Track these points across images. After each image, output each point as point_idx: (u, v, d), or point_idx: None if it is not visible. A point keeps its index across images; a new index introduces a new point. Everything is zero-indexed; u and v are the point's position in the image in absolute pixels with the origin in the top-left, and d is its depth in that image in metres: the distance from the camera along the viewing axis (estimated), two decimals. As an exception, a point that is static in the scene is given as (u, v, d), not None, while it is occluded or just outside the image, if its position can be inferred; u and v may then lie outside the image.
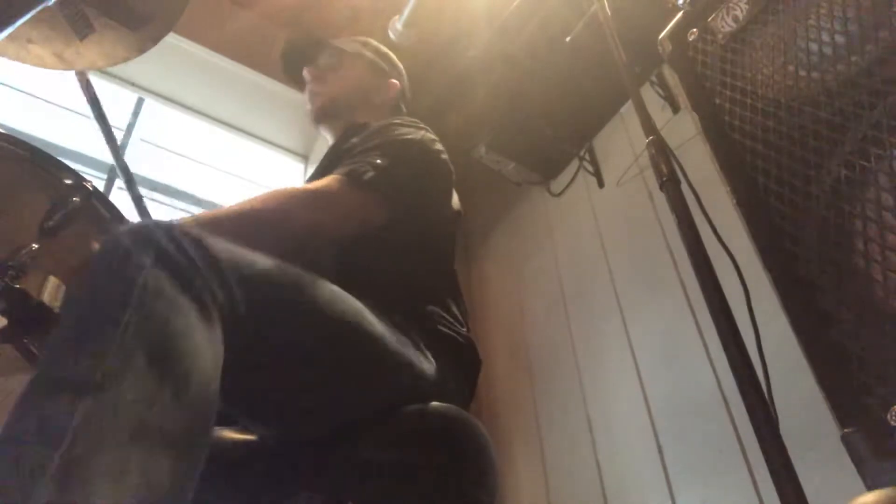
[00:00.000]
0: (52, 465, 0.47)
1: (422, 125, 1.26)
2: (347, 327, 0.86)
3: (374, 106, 1.42)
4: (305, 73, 1.44)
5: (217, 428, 0.94)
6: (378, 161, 1.08)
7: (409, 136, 1.19)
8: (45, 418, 0.50)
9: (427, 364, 0.95)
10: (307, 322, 0.82)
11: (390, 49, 1.54)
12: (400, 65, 1.53)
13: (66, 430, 0.49)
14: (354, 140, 1.23)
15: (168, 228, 0.68)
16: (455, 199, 1.29)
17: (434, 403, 0.92)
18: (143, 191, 2.71)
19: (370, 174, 1.06)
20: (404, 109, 1.49)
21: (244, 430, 0.96)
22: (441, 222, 1.24)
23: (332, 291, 0.87)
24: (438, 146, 1.24)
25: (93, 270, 0.65)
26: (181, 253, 0.66)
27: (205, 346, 0.62)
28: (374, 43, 1.52)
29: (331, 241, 1.01)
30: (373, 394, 0.90)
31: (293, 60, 1.50)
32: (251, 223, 0.89)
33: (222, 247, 0.72)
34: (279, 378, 0.81)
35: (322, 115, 1.40)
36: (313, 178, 1.27)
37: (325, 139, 1.45)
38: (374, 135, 1.21)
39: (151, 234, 0.66)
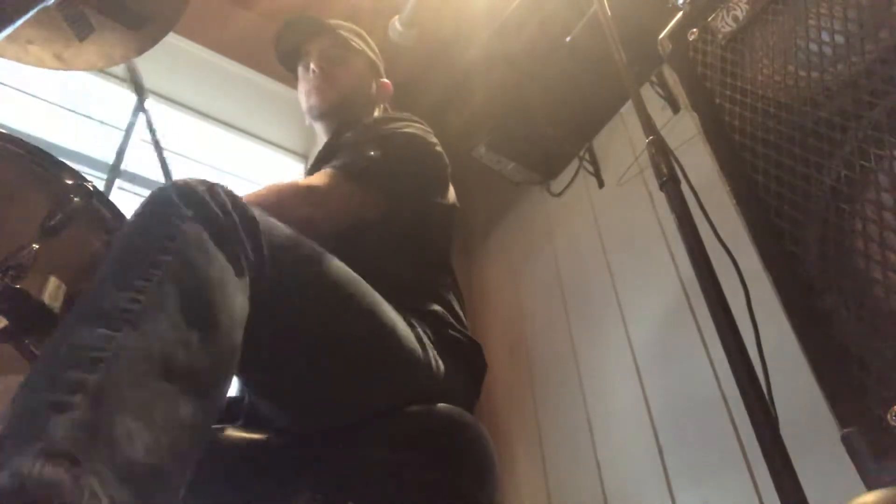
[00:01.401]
0: (86, 387, 0.49)
1: (415, 119, 1.26)
2: (366, 311, 0.87)
3: (370, 105, 1.42)
4: (314, 65, 1.36)
5: (219, 426, 0.94)
6: (371, 153, 1.08)
7: (404, 130, 1.19)
8: (83, 346, 0.53)
9: (436, 364, 0.95)
10: (327, 296, 0.84)
11: (391, 49, 1.54)
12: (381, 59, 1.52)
13: (100, 359, 0.52)
14: (349, 135, 1.23)
15: (211, 186, 0.72)
16: (452, 193, 1.29)
17: (440, 405, 0.92)
18: (142, 191, 2.72)
19: (363, 166, 1.06)
20: (389, 109, 1.49)
21: (247, 428, 0.96)
22: (437, 216, 1.23)
23: (351, 274, 0.89)
24: (432, 139, 1.23)
25: (139, 214, 0.68)
26: (221, 209, 0.70)
27: (234, 299, 0.66)
28: (366, 36, 1.52)
29: (327, 235, 1.02)
30: (382, 382, 0.90)
31: (291, 43, 1.45)
32: None
33: (258, 211, 0.76)
34: (294, 351, 0.82)
35: (329, 113, 1.35)
36: (308, 175, 1.27)
37: (321, 137, 1.43)
38: (367, 129, 1.21)
39: (195, 189, 0.70)
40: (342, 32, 1.42)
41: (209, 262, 0.65)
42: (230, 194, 0.73)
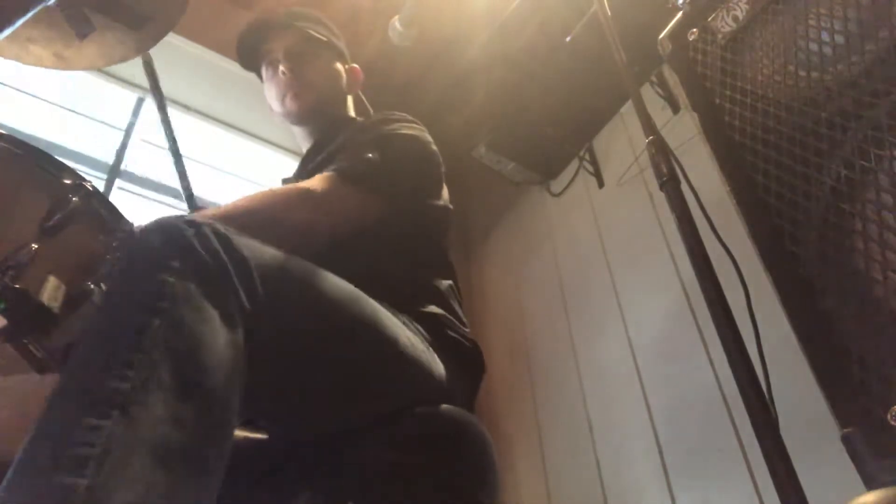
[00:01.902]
0: (77, 493, 0.47)
1: (410, 119, 1.25)
2: (364, 327, 0.86)
3: (345, 96, 1.38)
4: (282, 67, 1.29)
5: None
6: (370, 156, 1.07)
7: (401, 131, 1.18)
8: (70, 443, 0.49)
9: (437, 367, 0.94)
10: (325, 321, 0.82)
11: (391, 49, 1.53)
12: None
13: (90, 456, 0.48)
14: (342, 137, 1.22)
15: (198, 227, 0.67)
16: (445, 194, 1.28)
17: (444, 406, 0.92)
18: (142, 191, 2.72)
19: (363, 170, 1.05)
20: (363, 98, 1.45)
21: (246, 428, 0.96)
22: (435, 217, 1.23)
23: (349, 290, 0.87)
24: (428, 138, 1.22)
25: (123, 270, 0.65)
26: (211, 255, 0.65)
27: (228, 358, 0.62)
28: (325, 20, 1.42)
29: (327, 240, 1.01)
30: (385, 394, 0.90)
31: (251, 42, 1.39)
32: (244, 224, 0.88)
33: (248, 245, 0.72)
34: (294, 375, 0.80)
35: (309, 117, 1.30)
36: (299, 177, 1.26)
37: (300, 137, 1.37)
38: (364, 130, 1.20)
39: (181, 234, 0.65)
40: (302, 25, 1.33)
41: (201, 321, 0.61)
42: (219, 234, 0.68)
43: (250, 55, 1.41)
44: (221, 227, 0.70)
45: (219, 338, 0.61)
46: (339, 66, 1.38)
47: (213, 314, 0.62)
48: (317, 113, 1.30)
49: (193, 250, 0.64)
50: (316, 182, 1.02)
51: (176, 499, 0.51)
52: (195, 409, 0.56)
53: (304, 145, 1.36)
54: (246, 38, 1.39)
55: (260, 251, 0.74)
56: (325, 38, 1.35)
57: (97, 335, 0.59)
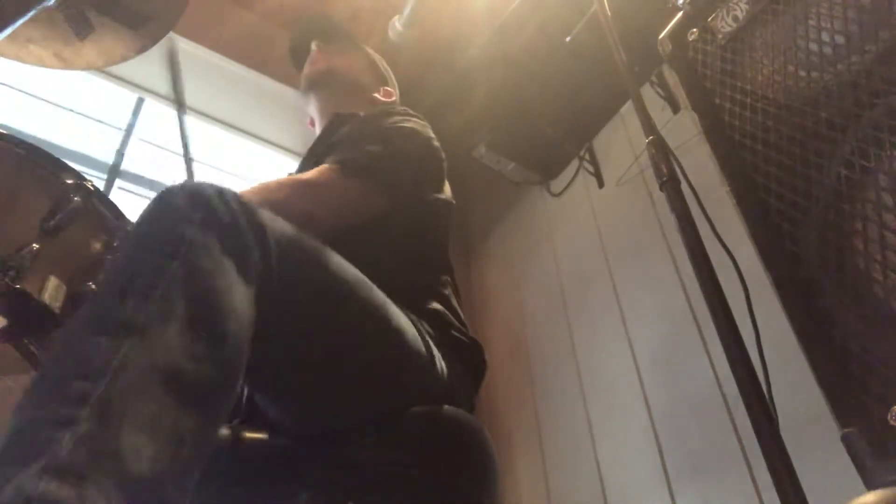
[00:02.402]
0: (90, 400, 0.48)
1: (413, 113, 1.25)
2: (372, 311, 0.86)
3: (365, 101, 1.41)
4: (313, 45, 1.44)
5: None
6: (371, 148, 1.07)
7: (402, 124, 1.18)
8: (88, 355, 0.52)
9: (439, 363, 0.94)
10: (335, 298, 0.83)
11: (391, 49, 1.54)
12: (396, 85, 1.54)
13: (106, 370, 0.50)
14: (345, 129, 1.22)
15: (219, 189, 0.70)
16: (447, 189, 1.28)
17: (446, 407, 0.92)
18: (142, 191, 2.72)
19: (363, 163, 1.04)
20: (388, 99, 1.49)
21: (246, 427, 0.96)
22: (436, 212, 1.23)
23: (360, 275, 0.87)
24: (430, 133, 1.22)
25: (147, 217, 0.67)
26: (230, 214, 0.68)
27: (241, 308, 0.64)
28: (379, 57, 1.55)
29: (327, 232, 1.01)
30: (387, 384, 0.89)
31: (302, 40, 1.50)
32: None
33: (267, 215, 0.74)
34: (300, 353, 0.81)
35: (315, 82, 1.40)
36: (302, 168, 1.27)
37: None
38: (365, 123, 1.20)
39: (203, 192, 0.68)
40: (349, 34, 1.47)
41: (216, 270, 0.63)
42: (239, 199, 0.71)
43: (300, 51, 1.52)
44: (241, 196, 0.72)
45: (234, 289, 0.64)
46: (367, 73, 1.46)
47: (230, 267, 0.64)
48: (321, 84, 1.40)
49: (215, 208, 0.67)
50: (316, 173, 1.02)
51: (182, 421, 0.53)
52: (208, 348, 0.58)
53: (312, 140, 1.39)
54: (298, 33, 1.52)
55: (278, 223, 0.76)
56: (361, 48, 1.47)
57: (115, 273, 0.61)
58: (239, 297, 0.64)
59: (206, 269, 0.62)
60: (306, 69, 1.42)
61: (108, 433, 0.47)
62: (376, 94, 1.44)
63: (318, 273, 0.82)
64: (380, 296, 0.89)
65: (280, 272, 0.72)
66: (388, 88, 1.47)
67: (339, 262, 0.86)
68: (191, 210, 0.65)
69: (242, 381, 0.67)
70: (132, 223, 0.87)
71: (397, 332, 0.88)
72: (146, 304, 0.56)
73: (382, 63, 1.53)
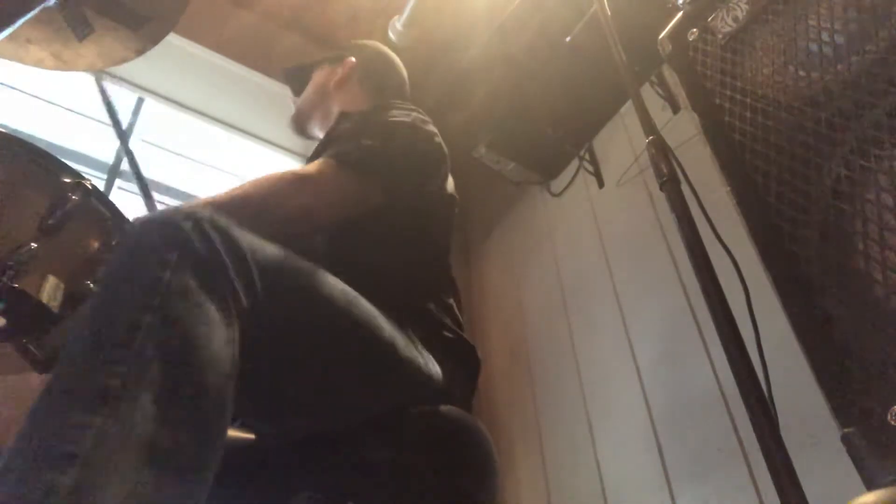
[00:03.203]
0: (63, 487, 0.46)
1: (414, 108, 1.24)
2: (360, 328, 0.85)
3: (337, 91, 1.43)
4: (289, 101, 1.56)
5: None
6: (367, 142, 1.06)
7: (399, 119, 1.18)
8: (58, 436, 0.49)
9: (433, 367, 0.94)
10: (322, 320, 0.82)
11: (391, 49, 1.53)
12: (367, 44, 1.55)
13: (75, 455, 0.48)
14: (345, 125, 1.23)
15: (196, 220, 0.66)
16: (451, 184, 1.28)
17: (442, 407, 0.92)
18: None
19: (357, 155, 1.04)
20: (384, 83, 1.48)
21: (245, 428, 0.96)
22: (436, 208, 1.22)
23: (347, 291, 0.86)
24: (431, 128, 1.22)
25: (120, 262, 0.64)
26: (207, 246, 0.64)
27: (223, 355, 0.61)
28: (348, 41, 1.59)
29: (323, 226, 1.01)
30: (381, 395, 0.90)
31: (293, 84, 1.58)
32: (241, 209, 0.87)
33: (248, 240, 0.71)
34: (290, 375, 0.80)
35: (296, 128, 1.49)
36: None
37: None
38: (364, 118, 1.20)
39: (180, 226, 0.64)
40: (317, 63, 1.53)
41: (195, 317, 0.59)
42: (218, 228, 0.67)
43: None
44: (221, 220, 0.69)
45: (214, 336, 0.60)
46: (325, 73, 1.47)
47: (210, 310, 0.61)
48: (301, 124, 1.48)
49: (191, 245, 0.63)
50: (313, 167, 1.02)
51: (163, 496, 0.51)
52: (186, 409, 0.55)
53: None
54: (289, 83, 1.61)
55: (259, 247, 0.73)
56: (318, 60, 1.51)
57: (89, 331, 0.58)
58: (219, 342, 0.61)
59: (183, 317, 0.59)
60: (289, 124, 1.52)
61: None
62: (339, 70, 1.45)
63: (305, 294, 0.80)
64: (367, 309, 0.87)
65: (265, 297, 0.70)
66: (349, 58, 1.47)
67: (326, 280, 0.84)
68: (166, 248, 0.62)
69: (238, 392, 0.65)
70: (129, 223, 0.87)
71: (387, 343, 0.87)
72: (120, 370, 0.53)
73: (345, 44, 1.57)
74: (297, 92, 1.52)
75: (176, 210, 0.67)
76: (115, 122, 1.50)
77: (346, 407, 0.87)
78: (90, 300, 0.65)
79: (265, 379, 0.77)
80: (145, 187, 1.71)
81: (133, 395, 0.52)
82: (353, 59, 1.46)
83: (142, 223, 0.66)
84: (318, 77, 1.48)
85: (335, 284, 0.85)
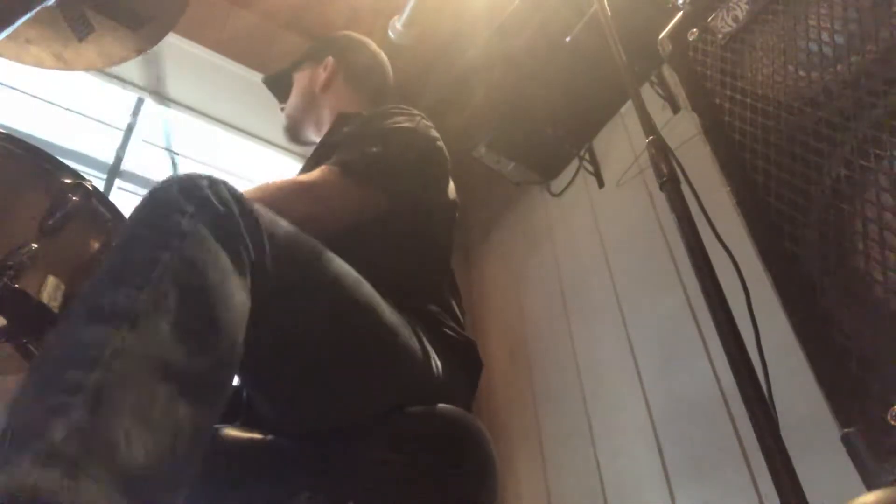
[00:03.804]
0: (84, 388, 0.48)
1: (416, 112, 1.24)
2: (365, 310, 0.86)
3: (324, 94, 1.44)
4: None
5: (218, 426, 0.94)
6: (372, 150, 1.06)
7: (404, 125, 1.17)
8: (81, 345, 0.52)
9: (434, 363, 0.94)
10: (327, 295, 0.83)
11: (391, 49, 1.53)
12: (341, 37, 1.55)
13: (98, 359, 0.50)
14: (346, 129, 1.22)
15: (213, 181, 0.70)
16: (452, 189, 1.28)
17: (441, 405, 0.92)
18: (143, 191, 2.72)
19: (364, 164, 1.04)
20: (369, 77, 1.49)
21: (245, 427, 0.96)
22: (439, 213, 1.22)
23: (354, 273, 0.88)
24: (434, 133, 1.22)
25: (140, 210, 0.67)
26: (223, 205, 0.68)
27: (235, 298, 0.64)
28: (323, 37, 1.58)
29: (327, 233, 1.01)
30: (382, 384, 0.89)
31: (277, 92, 1.58)
32: None
33: (260, 209, 0.74)
34: (294, 351, 0.81)
35: (290, 138, 1.50)
36: (304, 171, 1.27)
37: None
38: (367, 124, 1.20)
39: (198, 184, 0.68)
40: (295, 65, 1.53)
41: (210, 260, 0.63)
42: (233, 190, 0.72)
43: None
44: (235, 188, 0.73)
45: (228, 280, 0.64)
46: (308, 75, 1.48)
47: (224, 257, 0.65)
48: (294, 132, 1.49)
49: (208, 199, 0.67)
50: (317, 175, 1.02)
51: (177, 410, 0.53)
52: (200, 340, 0.58)
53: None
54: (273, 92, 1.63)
55: (272, 217, 0.77)
56: (298, 60, 1.51)
57: (108, 266, 0.61)
58: (233, 288, 0.64)
59: (199, 259, 0.62)
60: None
61: (101, 422, 0.47)
62: (322, 72, 1.46)
63: (312, 269, 0.82)
64: (374, 295, 0.88)
65: (273, 266, 0.72)
66: (328, 58, 1.47)
67: (334, 260, 0.86)
68: (184, 201, 0.66)
69: (239, 381, 0.66)
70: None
71: (391, 331, 0.88)
72: (139, 295, 0.56)
73: (323, 39, 1.57)
74: (282, 98, 1.52)
75: (194, 173, 0.71)
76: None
77: (346, 393, 0.87)
78: (112, 245, 0.69)
79: (266, 352, 0.77)
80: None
81: (151, 316, 0.55)
82: (332, 57, 1.46)
83: (161, 181, 0.69)
84: (300, 80, 1.48)
85: (342, 264, 0.87)
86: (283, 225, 0.79)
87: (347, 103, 1.41)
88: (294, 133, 1.48)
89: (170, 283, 0.58)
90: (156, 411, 0.51)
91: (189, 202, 0.66)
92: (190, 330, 0.57)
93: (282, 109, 1.52)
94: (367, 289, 0.88)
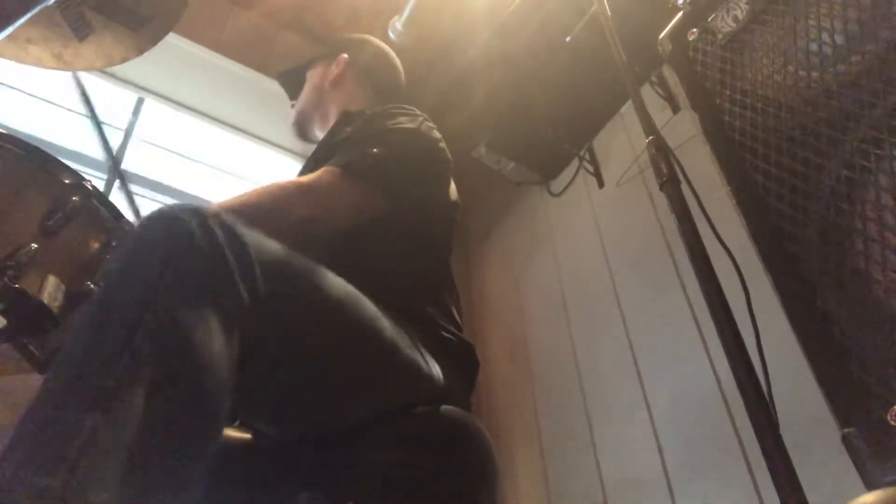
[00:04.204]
0: (55, 487, 0.46)
1: (419, 113, 1.24)
2: (363, 329, 0.85)
3: (333, 90, 1.44)
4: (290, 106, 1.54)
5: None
6: (374, 151, 1.06)
7: (406, 125, 1.17)
8: (53, 434, 0.49)
9: (434, 367, 0.94)
10: (325, 320, 0.82)
11: (391, 48, 1.53)
12: (356, 37, 1.55)
13: (65, 456, 0.48)
14: (348, 129, 1.22)
15: (201, 218, 0.65)
16: (453, 190, 1.28)
17: (442, 407, 0.92)
18: (143, 191, 2.73)
19: (366, 164, 1.04)
20: (380, 78, 1.49)
21: (245, 428, 0.96)
22: (440, 214, 1.22)
23: (350, 291, 0.87)
24: (436, 134, 1.21)
25: (120, 258, 0.63)
26: (212, 247, 0.64)
27: (221, 360, 0.60)
28: (340, 37, 1.59)
29: (328, 235, 1.01)
30: (383, 396, 0.89)
31: (289, 88, 1.58)
32: (247, 219, 0.87)
33: (253, 238, 0.71)
34: (292, 374, 0.80)
35: (297, 134, 1.49)
36: (305, 170, 1.26)
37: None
38: (368, 124, 1.19)
39: (184, 225, 0.64)
40: (310, 63, 1.52)
41: (195, 319, 0.59)
42: (224, 226, 0.67)
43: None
44: (226, 217, 0.68)
45: (213, 338, 0.60)
46: (320, 71, 1.48)
47: (210, 313, 0.61)
48: (302, 128, 1.48)
49: (195, 243, 0.63)
50: (318, 176, 1.02)
51: (152, 495, 0.51)
52: (182, 408, 0.55)
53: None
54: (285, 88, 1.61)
55: (264, 245, 0.73)
56: (313, 58, 1.51)
57: (88, 328, 0.58)
58: (216, 343, 0.60)
59: (180, 318, 0.58)
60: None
61: None
62: (334, 68, 1.46)
63: (307, 291, 0.80)
64: (370, 309, 0.87)
65: (267, 293, 0.69)
66: (341, 55, 1.47)
67: (329, 280, 0.84)
68: (169, 243, 0.62)
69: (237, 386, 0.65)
70: (130, 224, 0.86)
71: (389, 344, 0.87)
72: (115, 370, 0.53)
73: (335, 38, 1.58)
74: (294, 95, 1.52)
75: (182, 206, 0.67)
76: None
77: (347, 406, 0.87)
78: (93, 297, 0.65)
79: (266, 377, 0.77)
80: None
81: (127, 395, 0.52)
82: (346, 55, 1.46)
83: (147, 218, 0.66)
84: (312, 77, 1.48)
85: (339, 284, 0.85)
86: (272, 247, 0.75)
87: (354, 100, 1.40)
88: (301, 128, 1.48)
89: (149, 350, 0.55)
90: (134, 498, 0.49)
91: (174, 243, 0.62)
92: (172, 402, 0.55)
93: (292, 106, 1.52)
94: (365, 304, 0.87)
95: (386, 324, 0.89)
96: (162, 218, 0.65)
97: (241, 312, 0.65)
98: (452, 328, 1.07)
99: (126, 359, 0.53)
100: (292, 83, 1.53)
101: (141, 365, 0.54)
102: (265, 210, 0.92)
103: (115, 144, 2.73)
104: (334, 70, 1.45)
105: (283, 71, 1.57)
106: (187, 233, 0.63)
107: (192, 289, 0.60)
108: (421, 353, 0.93)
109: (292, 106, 1.52)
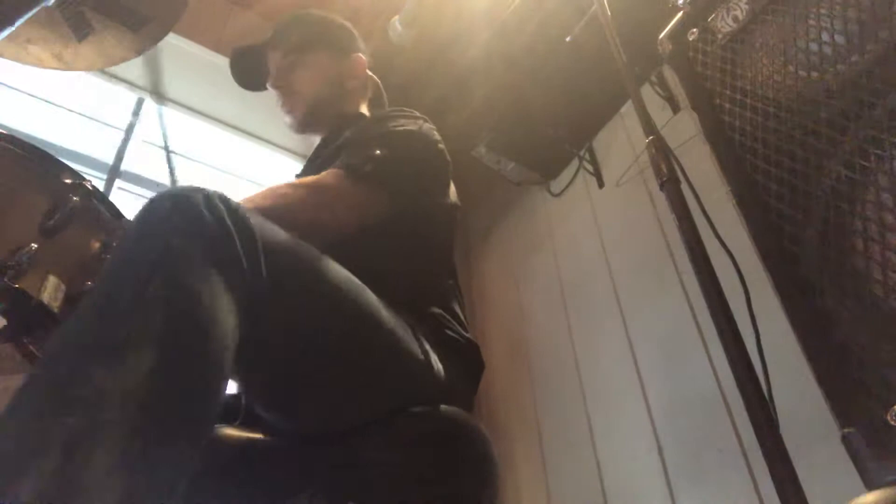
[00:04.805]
0: (60, 433, 0.48)
1: (419, 115, 1.24)
2: (365, 317, 0.86)
3: (352, 90, 1.37)
4: (270, 86, 1.37)
5: (219, 425, 0.94)
6: (377, 153, 1.06)
7: (408, 128, 1.17)
8: (61, 385, 0.51)
9: (436, 365, 0.94)
10: (327, 305, 0.82)
11: (391, 49, 1.53)
12: (352, 29, 1.44)
13: (78, 400, 0.50)
14: (349, 133, 1.21)
15: (208, 196, 0.68)
16: (453, 191, 1.28)
17: (442, 407, 0.92)
18: (142, 191, 2.72)
19: (370, 167, 1.04)
20: (379, 83, 1.45)
21: (246, 427, 0.96)
22: (441, 215, 1.22)
23: (353, 280, 0.87)
24: (436, 136, 1.21)
25: (132, 230, 0.66)
26: (217, 223, 0.67)
27: (225, 323, 0.62)
28: (317, 14, 1.42)
29: (332, 236, 1.01)
30: (384, 388, 0.89)
31: (247, 73, 1.44)
32: None
33: (257, 220, 0.73)
34: (293, 360, 0.80)
35: (306, 125, 1.33)
36: (305, 173, 1.26)
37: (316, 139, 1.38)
38: (370, 126, 1.19)
39: (189, 198, 0.67)
40: (290, 33, 1.37)
41: (199, 284, 0.61)
42: (228, 204, 0.70)
43: (254, 78, 1.45)
44: (231, 198, 0.71)
45: (217, 303, 0.62)
46: (331, 62, 1.36)
47: (215, 277, 0.63)
48: (315, 121, 1.33)
49: (201, 215, 0.66)
50: (321, 178, 1.02)
51: (160, 448, 0.52)
52: (187, 368, 0.57)
53: (316, 143, 1.37)
54: (240, 66, 1.44)
55: (268, 227, 0.75)
56: (308, 40, 1.36)
57: (97, 288, 0.60)
58: (222, 311, 0.62)
59: (187, 284, 0.60)
60: (287, 119, 1.34)
61: (76, 468, 0.46)
62: (351, 72, 1.37)
63: (310, 278, 0.81)
64: (373, 300, 0.88)
65: (270, 277, 0.71)
66: (357, 54, 1.38)
67: (333, 267, 0.85)
68: (176, 217, 0.64)
69: (238, 384, 0.66)
70: (130, 224, 0.86)
71: (391, 335, 0.87)
72: (123, 326, 0.55)
73: (329, 22, 1.43)
74: (253, 74, 1.40)
75: (187, 187, 0.70)
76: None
77: (346, 398, 0.87)
78: (108, 248, 0.68)
79: (265, 361, 0.77)
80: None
81: (136, 349, 0.54)
82: (361, 55, 1.39)
83: (155, 196, 0.68)
84: (319, 65, 1.35)
85: (341, 272, 0.86)
86: (280, 235, 0.77)
87: (358, 105, 1.39)
88: (314, 118, 1.32)
89: (156, 311, 0.57)
90: (137, 451, 0.50)
91: (182, 218, 0.64)
92: (177, 360, 0.56)
93: (276, 88, 1.37)
94: (368, 295, 0.88)
95: (388, 314, 0.89)
96: (169, 196, 0.67)
97: (243, 284, 0.67)
98: (458, 328, 1.07)
99: (133, 319, 0.56)
100: (254, 62, 1.41)
101: (147, 326, 0.56)
102: (271, 212, 0.92)
103: (115, 144, 2.73)
104: (358, 69, 1.37)
105: (248, 46, 1.42)
106: (194, 207, 0.66)
107: (197, 256, 0.63)
108: (423, 349, 0.93)
109: (274, 84, 1.36)
